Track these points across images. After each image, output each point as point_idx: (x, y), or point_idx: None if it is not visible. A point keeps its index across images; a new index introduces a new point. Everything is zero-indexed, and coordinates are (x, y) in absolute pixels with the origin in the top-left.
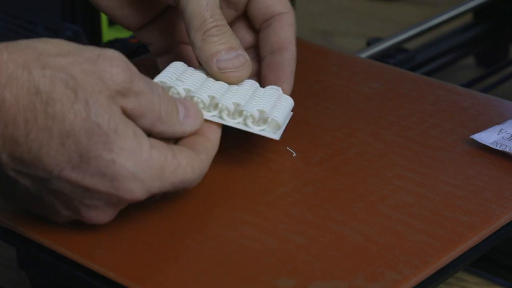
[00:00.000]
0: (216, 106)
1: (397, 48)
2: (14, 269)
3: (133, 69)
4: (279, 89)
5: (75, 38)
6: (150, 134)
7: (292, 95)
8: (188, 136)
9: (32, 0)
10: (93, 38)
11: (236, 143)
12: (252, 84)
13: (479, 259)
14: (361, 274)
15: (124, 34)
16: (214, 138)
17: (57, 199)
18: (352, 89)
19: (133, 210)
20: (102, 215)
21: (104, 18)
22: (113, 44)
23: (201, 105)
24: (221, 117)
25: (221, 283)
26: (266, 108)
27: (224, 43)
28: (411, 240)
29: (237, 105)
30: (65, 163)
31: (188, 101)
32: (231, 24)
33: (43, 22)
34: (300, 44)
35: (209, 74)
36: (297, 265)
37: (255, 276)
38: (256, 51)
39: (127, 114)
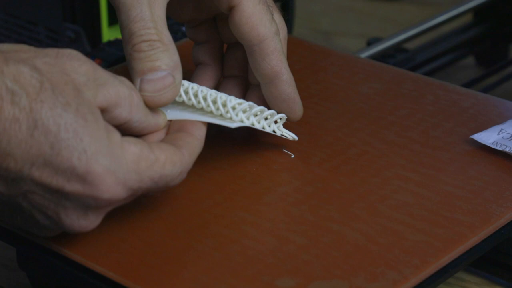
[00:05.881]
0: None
1: (397, 48)
2: (14, 269)
3: (93, 62)
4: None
5: (75, 38)
6: (126, 132)
7: None
8: (170, 133)
9: (32, 0)
10: (93, 38)
11: (236, 143)
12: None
13: (479, 259)
14: (361, 274)
15: None
16: (198, 134)
17: (34, 207)
18: (352, 89)
19: (133, 210)
20: (83, 220)
21: (104, 18)
22: (113, 44)
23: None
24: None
25: (222, 283)
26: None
27: (150, 61)
28: (411, 240)
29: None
30: (35, 156)
31: None
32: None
33: (43, 22)
34: (300, 44)
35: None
36: (298, 265)
37: (256, 276)
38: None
39: (102, 108)
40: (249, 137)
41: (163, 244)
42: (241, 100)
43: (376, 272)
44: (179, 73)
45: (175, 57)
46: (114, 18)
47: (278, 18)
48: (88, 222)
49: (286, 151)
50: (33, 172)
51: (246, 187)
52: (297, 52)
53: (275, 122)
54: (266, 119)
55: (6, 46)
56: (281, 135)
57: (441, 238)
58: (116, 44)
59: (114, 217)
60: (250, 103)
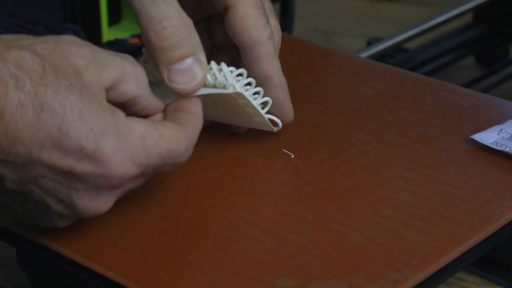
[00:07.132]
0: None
1: (397, 48)
2: (14, 269)
3: (92, 45)
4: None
5: None
6: (130, 109)
7: (292, 95)
8: (168, 114)
9: (32, 0)
10: (93, 38)
11: (236, 142)
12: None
13: (479, 259)
14: (361, 274)
15: (124, 34)
16: (195, 110)
17: (46, 192)
18: (352, 89)
19: (134, 210)
20: (96, 202)
21: (104, 18)
22: (113, 44)
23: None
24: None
25: (222, 283)
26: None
27: (176, 50)
28: (411, 240)
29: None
30: (44, 139)
31: None
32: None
33: (43, 22)
34: (300, 44)
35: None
36: (298, 265)
37: (256, 276)
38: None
39: (107, 87)
40: (248, 137)
41: (163, 244)
42: (233, 68)
43: (376, 272)
44: (203, 54)
45: (197, 37)
46: (114, 18)
47: (274, 22)
48: (101, 203)
49: (286, 151)
50: (42, 156)
51: (246, 187)
52: (297, 52)
53: (262, 108)
54: (255, 99)
55: (6, 36)
56: (269, 119)
57: (441, 238)
58: (116, 44)
59: (115, 217)
60: (242, 70)
